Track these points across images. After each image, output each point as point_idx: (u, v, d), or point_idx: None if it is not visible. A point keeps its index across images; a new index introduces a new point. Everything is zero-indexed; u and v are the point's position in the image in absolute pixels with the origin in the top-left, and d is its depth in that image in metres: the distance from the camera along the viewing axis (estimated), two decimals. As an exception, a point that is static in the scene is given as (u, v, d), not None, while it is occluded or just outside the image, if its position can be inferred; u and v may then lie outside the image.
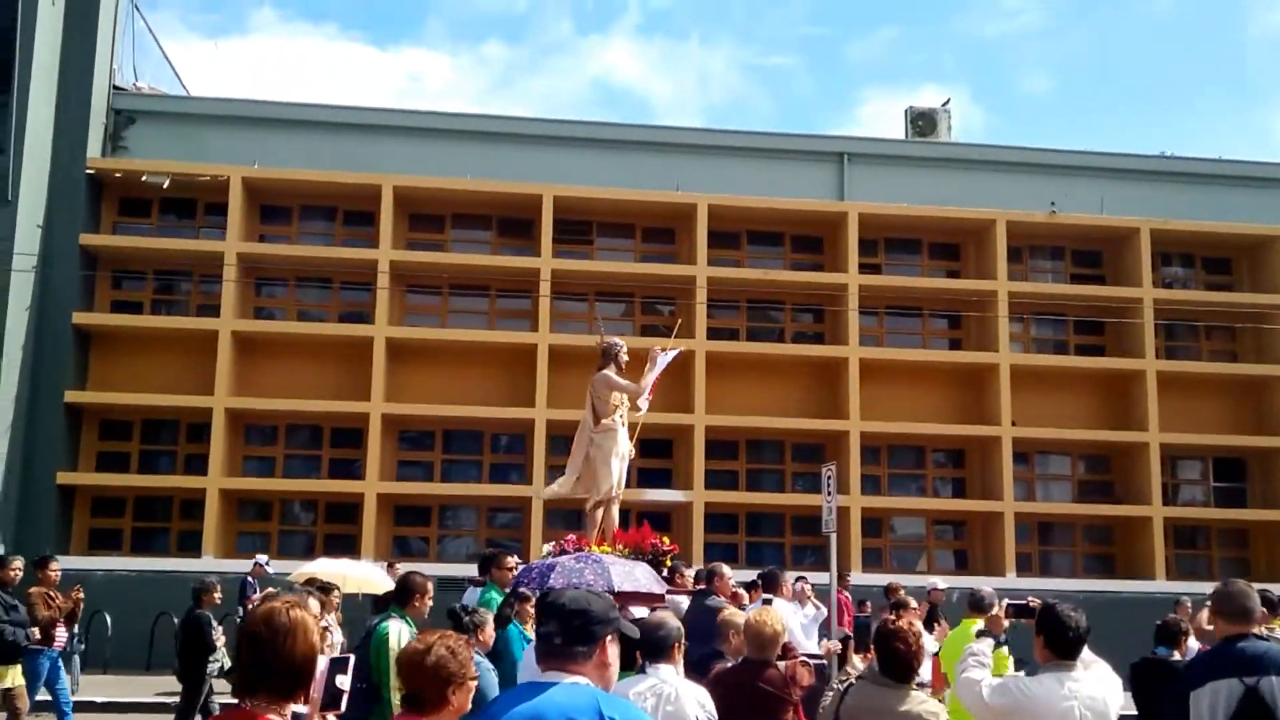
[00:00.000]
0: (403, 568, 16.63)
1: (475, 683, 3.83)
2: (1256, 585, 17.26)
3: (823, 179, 24.12)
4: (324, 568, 14.12)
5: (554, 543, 11.00)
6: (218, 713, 10.07)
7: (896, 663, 4.84)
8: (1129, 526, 23.40)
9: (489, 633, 6.90)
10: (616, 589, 8.21)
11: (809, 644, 10.70)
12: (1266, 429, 23.73)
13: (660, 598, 8.96)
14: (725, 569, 9.64)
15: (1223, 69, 69.53)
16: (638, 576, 8.77)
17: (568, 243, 23.21)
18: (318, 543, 22.24)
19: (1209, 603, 5.28)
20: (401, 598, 7.15)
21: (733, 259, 23.90)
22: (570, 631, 3.19)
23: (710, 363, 22.28)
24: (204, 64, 63.41)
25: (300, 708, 3.15)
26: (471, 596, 10.27)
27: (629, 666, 4.90)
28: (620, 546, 10.28)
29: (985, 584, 16.50)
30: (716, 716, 5.08)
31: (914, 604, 12.03)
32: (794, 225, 24.15)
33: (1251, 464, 24.45)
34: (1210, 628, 5.77)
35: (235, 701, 3.15)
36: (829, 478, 18.39)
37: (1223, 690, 4.53)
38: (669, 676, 5.14)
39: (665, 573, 10.11)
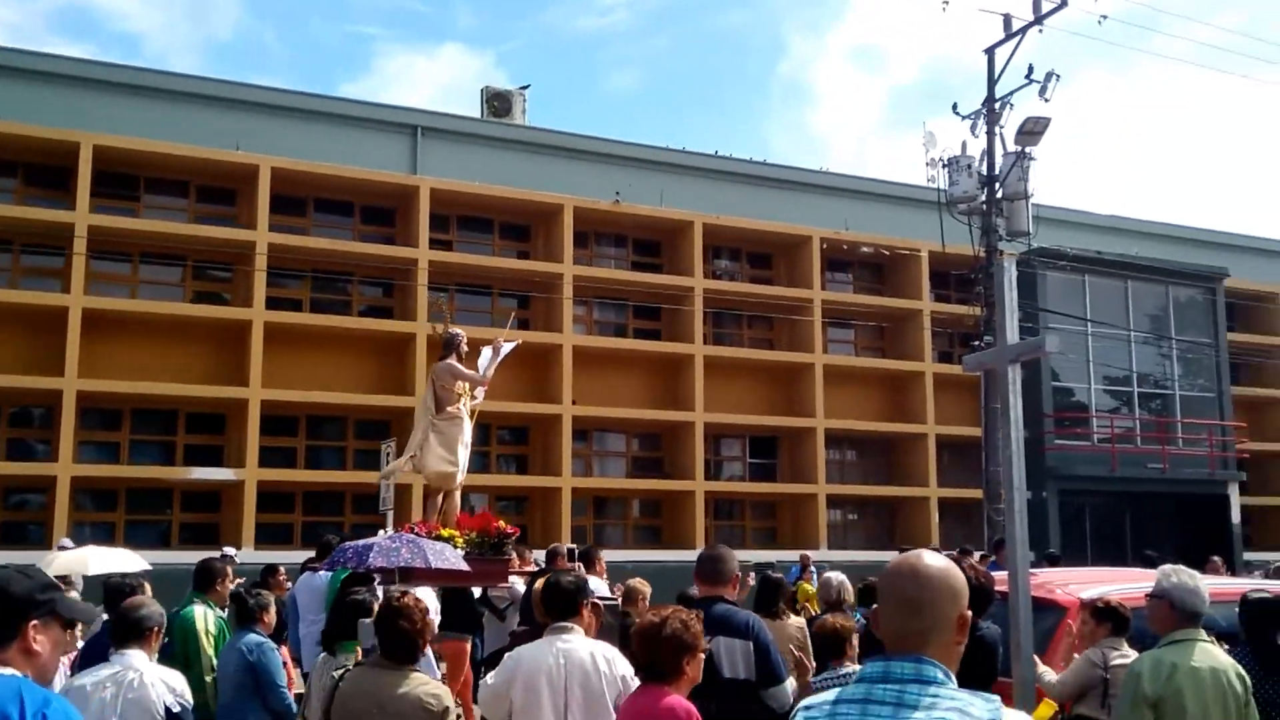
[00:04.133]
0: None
1: (703, 655, 4.16)
2: (786, 553, 18.65)
3: (395, 151, 23.66)
4: (68, 556, 12.60)
5: (405, 526, 10.43)
6: None
7: (399, 643, 4.64)
8: (676, 500, 24.97)
9: (272, 614, 6.92)
10: (434, 566, 8.46)
11: None
12: (796, 410, 26.19)
13: (468, 575, 9.12)
14: (564, 549, 10.95)
15: (771, 81, 76.27)
16: (448, 557, 8.81)
17: (110, 198, 21.16)
18: None
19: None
20: (203, 583, 7.44)
21: (299, 226, 22.88)
22: None
23: (270, 333, 21.20)
24: None
25: None
26: (308, 582, 9.71)
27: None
28: (467, 531, 10.02)
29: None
30: (191, 699, 4.70)
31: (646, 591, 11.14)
32: (364, 196, 23.50)
33: (782, 442, 26.92)
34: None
35: None
36: (388, 454, 18.13)
37: None
38: (138, 663, 4.67)
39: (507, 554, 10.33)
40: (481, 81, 74.31)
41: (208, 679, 6.82)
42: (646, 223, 25.71)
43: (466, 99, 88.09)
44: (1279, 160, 75.01)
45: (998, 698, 2.25)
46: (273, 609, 6.98)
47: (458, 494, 10.67)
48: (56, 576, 10.85)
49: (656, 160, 26.31)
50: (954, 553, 13.13)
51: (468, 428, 10.59)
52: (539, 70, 73.96)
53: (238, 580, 9.24)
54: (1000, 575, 6.42)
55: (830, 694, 2.39)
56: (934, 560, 2.39)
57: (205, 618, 7.06)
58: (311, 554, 11.90)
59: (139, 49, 71.63)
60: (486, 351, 11.21)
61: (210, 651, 6.95)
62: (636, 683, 4.82)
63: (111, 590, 6.51)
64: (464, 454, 10.56)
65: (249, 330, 21.01)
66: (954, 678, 2.28)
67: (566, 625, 4.90)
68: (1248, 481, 28.55)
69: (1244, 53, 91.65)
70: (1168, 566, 4.90)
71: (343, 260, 22.94)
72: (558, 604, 4.97)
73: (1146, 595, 4.95)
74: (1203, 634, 4.69)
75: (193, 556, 15.25)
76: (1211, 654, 4.62)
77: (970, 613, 2.37)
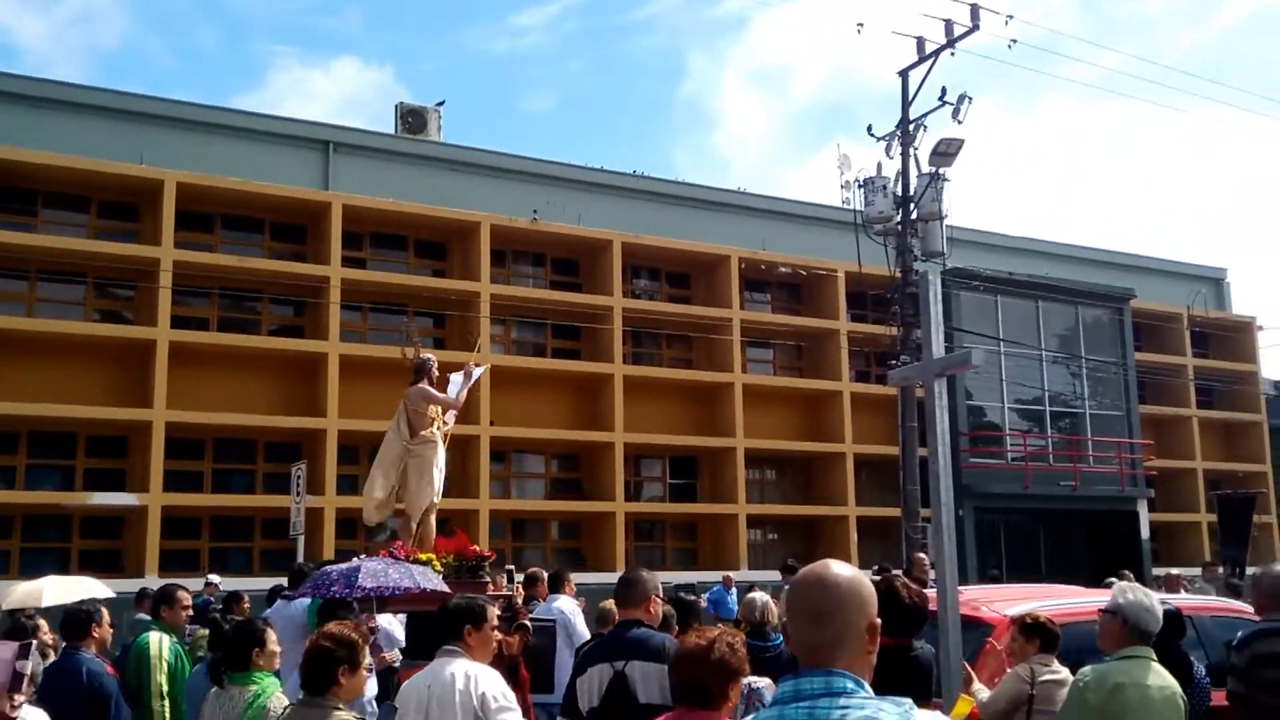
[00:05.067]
0: None
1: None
2: (707, 574, 18.51)
3: (307, 166, 23.17)
4: (25, 588, 11.84)
5: (383, 550, 10.19)
6: None
7: (311, 665, 4.31)
8: (596, 521, 24.70)
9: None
10: (422, 587, 8.57)
11: None
12: (715, 430, 26.12)
13: (450, 595, 9.05)
14: (543, 573, 11.27)
15: (674, 103, 76.80)
16: (431, 578, 8.97)
17: (6, 212, 20.38)
18: None
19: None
20: (158, 609, 7.51)
21: (205, 242, 22.24)
22: None
23: (175, 353, 20.53)
24: None
25: None
26: (281, 610, 9.39)
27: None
28: (444, 554, 10.12)
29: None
30: None
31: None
32: (274, 212, 22.93)
33: (701, 462, 26.82)
34: None
35: None
36: (299, 477, 17.64)
37: (597, 674, 4.79)
38: None
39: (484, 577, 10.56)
40: (382, 96, 73.62)
41: (155, 706, 6.88)
42: (565, 241, 25.50)
43: (366, 113, 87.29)
44: (1180, 184, 77.60)
45: (909, 700, 2.21)
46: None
47: (433, 518, 10.64)
48: (11, 609, 10.34)
49: (575, 179, 26.16)
50: (875, 573, 13.09)
51: (441, 451, 10.63)
52: (447, 88, 73.55)
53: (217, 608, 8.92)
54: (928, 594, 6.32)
55: None
56: (841, 569, 2.38)
57: (160, 644, 7.08)
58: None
59: (18, 58, 69.35)
60: (456, 377, 11.22)
61: (161, 679, 6.96)
62: (496, 702, 4.69)
63: (69, 618, 6.43)
64: (439, 477, 10.61)
65: (153, 350, 20.32)
66: (867, 686, 2.25)
67: (451, 649, 4.97)
68: (1156, 498, 29.17)
69: (1145, 78, 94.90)
70: (1123, 584, 4.83)
71: (251, 278, 22.35)
72: (443, 628, 5.04)
73: (1099, 610, 4.87)
74: (1152, 653, 4.61)
75: (90, 585, 14.60)
76: (1162, 675, 4.53)
77: (880, 620, 2.33)
